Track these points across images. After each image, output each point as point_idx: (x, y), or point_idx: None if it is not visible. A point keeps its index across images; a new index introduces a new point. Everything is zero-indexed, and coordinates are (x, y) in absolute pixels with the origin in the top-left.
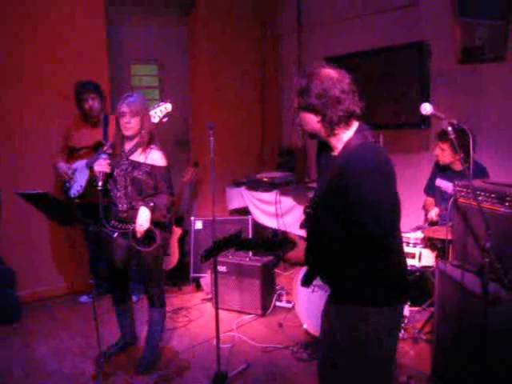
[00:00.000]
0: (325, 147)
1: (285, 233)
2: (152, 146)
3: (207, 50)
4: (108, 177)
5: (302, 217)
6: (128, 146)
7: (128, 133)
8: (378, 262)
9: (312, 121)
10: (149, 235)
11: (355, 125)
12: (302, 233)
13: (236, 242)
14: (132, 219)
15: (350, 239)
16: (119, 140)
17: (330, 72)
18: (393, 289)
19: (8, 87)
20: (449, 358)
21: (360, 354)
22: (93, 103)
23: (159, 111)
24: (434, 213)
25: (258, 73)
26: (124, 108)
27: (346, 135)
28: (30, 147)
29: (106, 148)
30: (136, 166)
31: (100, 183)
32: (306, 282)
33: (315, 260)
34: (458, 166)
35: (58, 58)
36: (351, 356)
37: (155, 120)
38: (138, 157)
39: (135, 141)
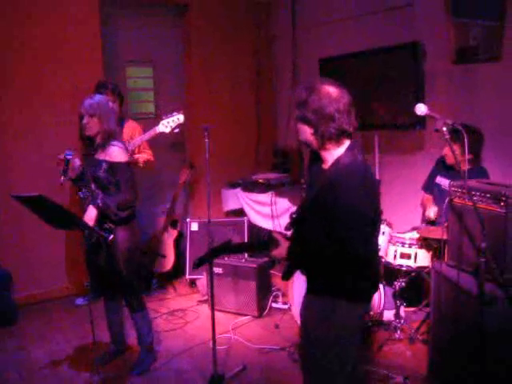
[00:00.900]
0: (317, 157)
1: (270, 233)
2: (112, 143)
3: (202, 52)
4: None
5: (288, 219)
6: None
7: (87, 133)
8: (354, 267)
9: (306, 132)
10: (105, 230)
11: (347, 143)
12: (289, 233)
13: (225, 249)
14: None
15: (331, 247)
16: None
17: (329, 90)
18: (361, 290)
19: (3, 88)
20: (445, 358)
21: (326, 343)
22: (112, 105)
23: (171, 121)
24: (432, 212)
25: (252, 74)
26: (82, 109)
27: (336, 151)
28: (25, 148)
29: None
30: (97, 163)
31: (62, 178)
32: (286, 276)
33: (296, 258)
34: (462, 167)
35: (53, 60)
36: (318, 343)
37: (166, 130)
38: (100, 154)
39: (97, 140)
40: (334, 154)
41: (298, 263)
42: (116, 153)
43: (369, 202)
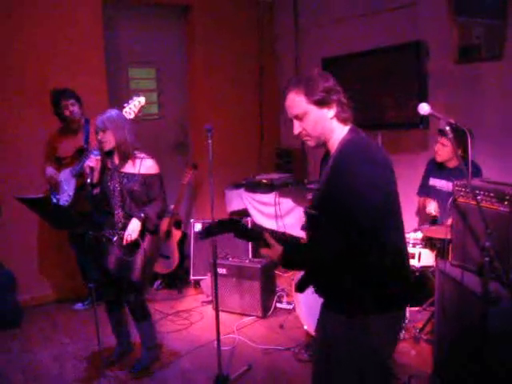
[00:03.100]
0: (327, 156)
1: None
2: (142, 156)
3: (205, 52)
4: (100, 173)
5: (303, 218)
6: (116, 159)
7: (106, 147)
8: (374, 264)
9: (323, 116)
10: (135, 243)
11: (349, 126)
12: (303, 234)
13: (236, 226)
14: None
15: (343, 239)
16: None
17: (313, 72)
18: (394, 293)
19: (4, 89)
20: (449, 357)
21: (356, 365)
22: (73, 109)
23: (133, 106)
24: (433, 206)
25: (255, 74)
26: (95, 126)
27: (342, 132)
28: (31, 150)
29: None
30: (130, 177)
31: (88, 180)
32: (301, 287)
33: (312, 266)
34: (453, 163)
35: (55, 62)
36: (347, 367)
37: (131, 116)
38: (130, 168)
39: (118, 153)
40: (340, 136)
41: (313, 272)
42: (151, 166)
43: (381, 172)
